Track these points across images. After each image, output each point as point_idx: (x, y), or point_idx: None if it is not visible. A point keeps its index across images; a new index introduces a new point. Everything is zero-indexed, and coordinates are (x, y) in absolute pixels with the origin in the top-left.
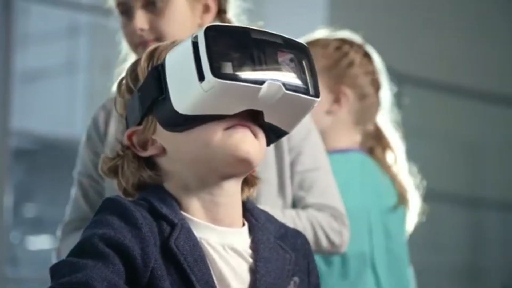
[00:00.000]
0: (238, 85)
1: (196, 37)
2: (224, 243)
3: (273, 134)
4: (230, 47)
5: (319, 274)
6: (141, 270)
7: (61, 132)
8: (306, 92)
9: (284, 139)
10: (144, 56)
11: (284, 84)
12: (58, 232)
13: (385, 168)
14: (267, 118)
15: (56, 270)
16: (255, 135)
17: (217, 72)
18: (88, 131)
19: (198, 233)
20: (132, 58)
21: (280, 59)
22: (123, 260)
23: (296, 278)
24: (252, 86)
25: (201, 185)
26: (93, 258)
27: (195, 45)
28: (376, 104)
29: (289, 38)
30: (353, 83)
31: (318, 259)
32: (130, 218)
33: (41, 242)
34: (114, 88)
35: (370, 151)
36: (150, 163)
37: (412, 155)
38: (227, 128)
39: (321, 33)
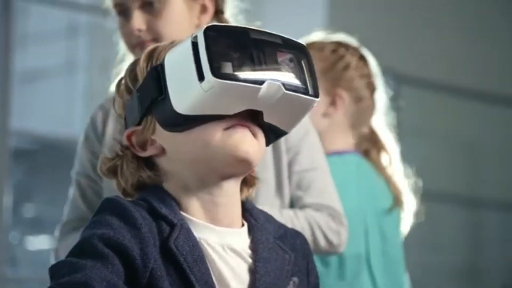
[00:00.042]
0: (238, 85)
1: (195, 37)
2: (224, 243)
3: (272, 134)
4: (229, 47)
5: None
6: (140, 270)
7: (61, 132)
8: (306, 92)
9: (282, 139)
10: (143, 56)
11: (283, 84)
12: (56, 232)
13: (380, 170)
14: (267, 118)
15: (56, 270)
16: (254, 135)
17: (217, 72)
18: (86, 131)
19: (197, 233)
20: (129, 58)
21: (279, 59)
22: (123, 260)
23: (295, 278)
24: (252, 86)
25: (201, 185)
26: (93, 258)
27: (194, 45)
28: (371, 106)
29: (288, 38)
30: (349, 86)
31: (315, 259)
32: (130, 218)
33: (40, 242)
34: (112, 88)
35: (365, 153)
36: (149, 163)
37: (412, 155)
38: (227, 128)
39: (317, 35)
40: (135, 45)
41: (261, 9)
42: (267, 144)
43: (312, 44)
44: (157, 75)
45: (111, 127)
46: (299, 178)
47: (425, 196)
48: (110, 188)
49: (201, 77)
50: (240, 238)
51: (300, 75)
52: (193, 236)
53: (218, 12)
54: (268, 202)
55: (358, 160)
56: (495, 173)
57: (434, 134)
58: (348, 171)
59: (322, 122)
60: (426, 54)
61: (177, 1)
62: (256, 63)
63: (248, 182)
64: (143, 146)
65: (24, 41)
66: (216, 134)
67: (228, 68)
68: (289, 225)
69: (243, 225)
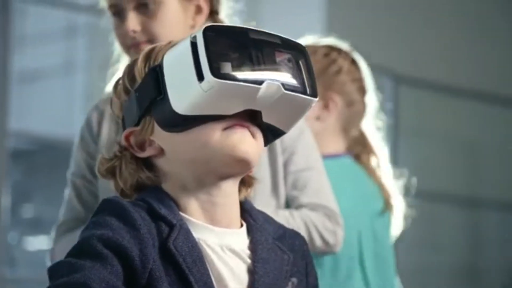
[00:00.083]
0: (237, 85)
1: (195, 37)
2: (222, 244)
3: (271, 134)
4: (228, 47)
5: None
6: (139, 271)
7: (59, 132)
8: (304, 92)
9: (277, 140)
10: (141, 57)
11: (283, 84)
12: (52, 233)
13: (371, 173)
14: (265, 118)
15: (55, 271)
16: (253, 135)
17: (216, 72)
18: (81, 131)
19: (196, 234)
20: (124, 59)
21: (278, 59)
22: (122, 261)
23: (294, 279)
24: (251, 86)
25: (199, 186)
26: (92, 259)
27: (194, 45)
28: (363, 110)
29: (286, 38)
30: (341, 90)
31: None
32: (129, 219)
33: (39, 243)
34: (108, 88)
35: (356, 157)
36: (148, 164)
37: (411, 156)
38: (226, 128)
39: (309, 39)
40: (130, 46)
41: (259, 9)
42: (266, 144)
43: None
44: (155, 75)
45: (106, 128)
46: (294, 178)
47: (425, 196)
48: (106, 188)
49: (200, 77)
50: (239, 238)
51: (298, 75)
52: (192, 236)
53: (213, 13)
54: (264, 202)
55: (350, 163)
56: (494, 173)
57: (433, 134)
58: (342, 174)
59: (315, 125)
60: (425, 54)
61: (172, 2)
62: (255, 63)
63: (246, 182)
64: (142, 147)
65: (22, 42)
66: (215, 134)
67: (227, 68)
68: (285, 225)
69: (242, 225)
